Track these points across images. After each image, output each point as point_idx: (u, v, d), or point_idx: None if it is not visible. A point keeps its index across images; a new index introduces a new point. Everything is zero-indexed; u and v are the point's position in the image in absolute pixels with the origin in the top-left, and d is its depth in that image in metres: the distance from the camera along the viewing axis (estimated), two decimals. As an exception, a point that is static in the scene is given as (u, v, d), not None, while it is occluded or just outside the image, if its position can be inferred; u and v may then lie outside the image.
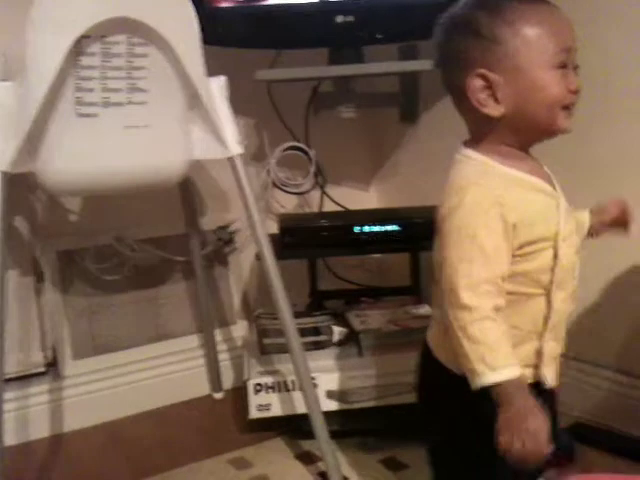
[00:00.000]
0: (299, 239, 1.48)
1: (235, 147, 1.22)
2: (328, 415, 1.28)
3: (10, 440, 1.40)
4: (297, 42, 1.45)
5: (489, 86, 0.78)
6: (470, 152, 0.82)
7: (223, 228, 1.65)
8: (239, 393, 1.47)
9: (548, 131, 0.81)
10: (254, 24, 1.41)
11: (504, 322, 0.76)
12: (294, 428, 1.43)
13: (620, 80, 1.28)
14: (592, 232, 0.94)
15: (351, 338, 1.49)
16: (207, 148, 1.20)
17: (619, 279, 1.33)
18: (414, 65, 1.48)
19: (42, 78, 1.05)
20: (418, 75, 1.68)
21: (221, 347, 1.67)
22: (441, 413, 0.87)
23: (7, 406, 1.42)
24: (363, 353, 1.45)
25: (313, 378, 1.32)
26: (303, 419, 1.31)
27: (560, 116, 0.79)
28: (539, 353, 0.82)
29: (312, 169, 1.66)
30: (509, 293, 0.79)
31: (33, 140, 1.08)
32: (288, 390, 1.39)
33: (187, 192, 1.48)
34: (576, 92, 0.79)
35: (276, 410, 1.39)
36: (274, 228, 1.52)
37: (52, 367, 1.52)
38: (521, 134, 0.81)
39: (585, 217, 0.93)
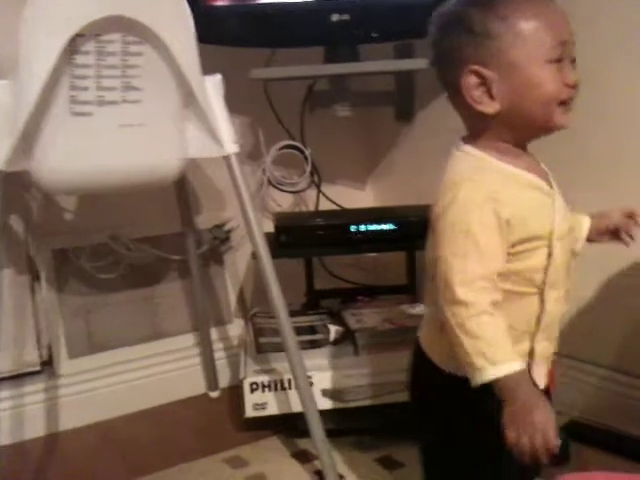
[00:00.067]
0: (295, 238, 1.48)
1: (230, 146, 1.21)
2: (324, 414, 1.28)
3: (5, 439, 1.40)
4: (292, 41, 1.45)
5: (484, 83, 0.77)
6: (468, 147, 0.82)
7: (219, 227, 1.65)
8: (235, 392, 1.47)
9: (545, 128, 0.80)
10: (249, 23, 1.41)
11: (501, 317, 0.75)
12: (290, 427, 1.43)
13: (616, 75, 1.28)
14: (591, 237, 0.92)
15: (347, 337, 1.49)
16: (202, 147, 1.20)
17: (618, 278, 1.33)
18: (409, 64, 1.48)
19: (36, 77, 1.04)
20: (413, 74, 1.68)
21: (217, 346, 1.67)
22: (434, 413, 0.87)
23: (2, 405, 1.43)
24: (359, 352, 1.45)
25: (309, 377, 1.32)
26: (299, 418, 1.32)
27: (557, 112, 0.78)
28: (531, 353, 0.82)
29: (308, 168, 1.66)
30: (504, 292, 0.78)
31: (28, 139, 1.08)
32: (284, 389, 1.39)
33: (182, 191, 1.48)
34: (574, 86, 0.78)
35: (272, 409, 1.39)
36: (270, 227, 1.52)
37: (47, 366, 1.52)
38: (517, 131, 0.80)
39: (584, 220, 0.92)
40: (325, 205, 1.76)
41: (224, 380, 1.65)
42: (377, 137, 1.85)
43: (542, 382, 0.83)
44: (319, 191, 1.75)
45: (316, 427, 1.25)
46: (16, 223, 1.45)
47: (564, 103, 0.78)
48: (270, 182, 1.66)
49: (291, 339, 1.25)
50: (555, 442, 0.71)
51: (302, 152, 1.65)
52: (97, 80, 1.09)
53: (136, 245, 1.54)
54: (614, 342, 1.37)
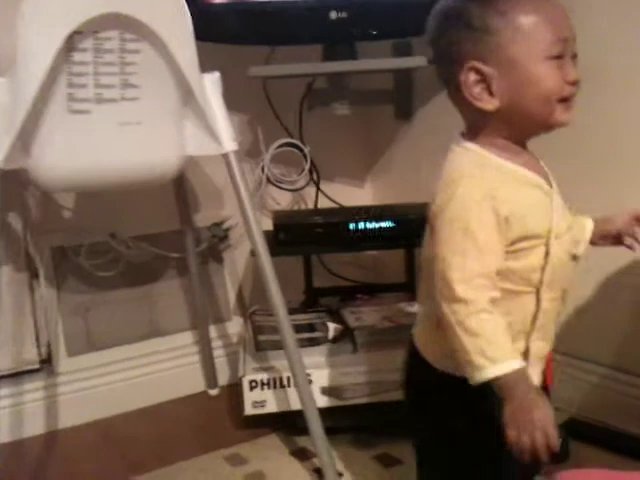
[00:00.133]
0: (294, 236, 1.48)
1: (229, 143, 1.21)
2: (323, 411, 1.28)
3: (4, 437, 1.40)
4: (291, 38, 1.44)
5: (483, 79, 0.77)
6: (467, 144, 0.81)
7: (217, 225, 1.65)
8: (234, 390, 1.47)
9: (545, 125, 0.79)
10: (248, 20, 1.40)
11: (501, 315, 0.75)
12: (289, 424, 1.43)
13: (617, 71, 1.27)
14: (594, 241, 0.91)
15: (346, 335, 1.49)
16: (201, 144, 1.20)
17: (617, 276, 1.33)
18: (408, 62, 1.48)
19: (34, 74, 1.04)
20: (412, 71, 1.68)
21: (216, 344, 1.67)
22: (428, 412, 0.87)
23: (1, 403, 1.43)
24: (358, 350, 1.45)
25: (308, 374, 1.32)
26: (298, 415, 1.32)
27: (557, 109, 0.77)
28: (526, 352, 0.81)
29: (307, 166, 1.66)
30: (500, 290, 0.77)
31: (25, 136, 1.08)
32: (283, 386, 1.39)
33: (181, 189, 1.48)
34: (574, 83, 0.77)
35: (271, 406, 1.39)
36: (269, 225, 1.52)
37: (46, 364, 1.52)
38: (517, 127, 0.79)
39: (587, 223, 0.91)
40: (324, 203, 1.75)
41: (223, 378, 1.65)
42: (376, 135, 1.85)
43: (536, 381, 0.82)
44: (318, 189, 1.75)
45: (315, 425, 1.25)
46: (14, 221, 1.44)
47: (565, 100, 0.77)
48: (269, 180, 1.66)
49: (290, 337, 1.25)
50: (556, 440, 0.70)
51: (301, 150, 1.65)
52: (95, 77, 1.09)
53: (135, 243, 1.54)
54: (613, 340, 1.37)
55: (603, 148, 1.32)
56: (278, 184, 1.68)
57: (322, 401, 1.37)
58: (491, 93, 0.77)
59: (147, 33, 1.09)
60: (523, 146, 0.82)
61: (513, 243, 0.77)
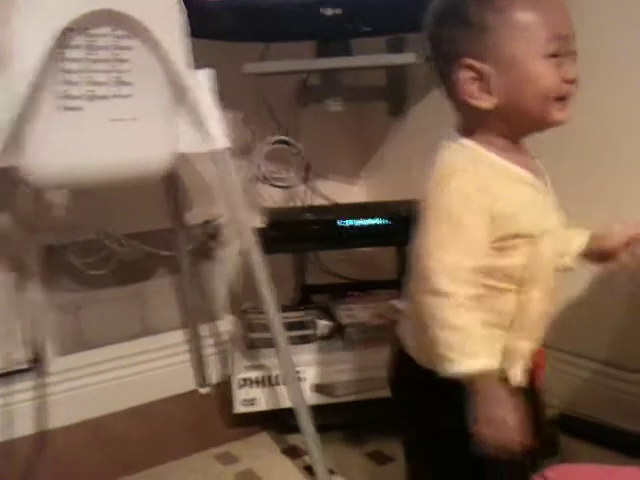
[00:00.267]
0: (286, 233, 1.47)
1: (222, 141, 1.21)
2: (314, 409, 1.28)
3: (-6, 437, 1.40)
4: (285, 35, 1.44)
5: (479, 77, 0.76)
6: (462, 140, 0.80)
7: (209, 222, 1.65)
8: (225, 388, 1.47)
9: (542, 123, 0.78)
10: (241, 17, 1.40)
11: (479, 311, 0.75)
12: (280, 422, 1.43)
13: (614, 69, 1.27)
14: (587, 255, 0.90)
15: (337, 332, 1.49)
16: (193, 141, 1.19)
17: (609, 271, 1.34)
18: (401, 58, 1.48)
19: (25, 71, 1.03)
20: (405, 68, 1.68)
21: (207, 342, 1.66)
22: (414, 409, 0.87)
23: (-9, 403, 1.42)
24: (349, 347, 1.45)
25: (298, 372, 1.32)
26: (289, 413, 1.31)
27: (554, 108, 0.76)
28: (510, 351, 0.81)
29: (300, 163, 1.66)
30: (483, 287, 0.77)
31: (17, 133, 1.07)
32: (273, 384, 1.38)
33: (173, 186, 1.47)
34: (572, 82, 0.76)
35: (261, 405, 1.39)
36: (261, 222, 1.51)
37: (36, 364, 1.50)
38: (513, 126, 0.79)
39: (581, 236, 0.90)
40: (317, 200, 1.75)
41: (214, 376, 1.65)
42: (369, 132, 1.85)
43: (521, 381, 0.82)
44: (311, 186, 1.74)
45: (306, 422, 1.25)
46: (4, 219, 1.43)
47: (562, 99, 0.76)
48: (262, 177, 1.66)
49: (281, 335, 1.25)
50: (517, 439, 0.71)
51: (294, 147, 1.65)
52: (87, 75, 1.08)
53: (126, 241, 1.54)
54: (604, 336, 1.37)
55: (599, 146, 1.32)
56: (271, 181, 1.67)
57: (313, 399, 1.37)
58: (487, 91, 0.76)
59: (139, 30, 1.09)
60: (519, 144, 0.82)
61: (504, 240, 0.77)
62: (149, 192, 1.43)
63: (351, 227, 1.48)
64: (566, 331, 1.38)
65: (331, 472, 1.28)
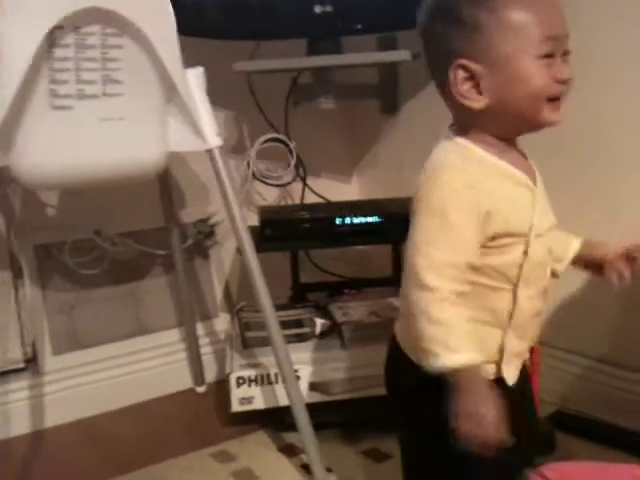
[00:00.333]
0: (280, 232, 1.47)
1: (213, 139, 1.20)
2: (310, 407, 1.28)
3: (-10, 437, 1.39)
4: (275, 33, 1.44)
5: (471, 77, 0.76)
6: (458, 138, 0.80)
7: (203, 221, 1.64)
8: (222, 387, 1.47)
9: (534, 123, 0.78)
10: (232, 15, 1.39)
11: (466, 307, 0.75)
12: (277, 421, 1.43)
13: (607, 68, 1.27)
14: (577, 263, 0.90)
15: (333, 330, 1.49)
16: (185, 140, 1.19)
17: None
18: (393, 56, 1.48)
19: (15, 70, 1.03)
20: (397, 66, 1.68)
21: (203, 340, 1.66)
22: (410, 407, 0.86)
23: (-14, 403, 1.42)
24: (345, 345, 1.45)
25: (295, 370, 1.32)
26: (286, 412, 1.31)
27: (545, 108, 0.76)
28: (501, 349, 0.81)
29: (292, 161, 1.65)
30: (474, 284, 0.78)
31: (7, 133, 1.07)
32: (270, 383, 1.38)
33: (166, 185, 1.47)
34: (564, 82, 0.76)
35: (259, 403, 1.39)
36: (255, 221, 1.51)
37: (31, 363, 1.51)
38: (506, 126, 0.79)
39: (573, 242, 0.90)
40: (310, 198, 1.75)
41: (210, 375, 1.65)
42: (362, 130, 1.85)
43: (512, 379, 0.82)
44: (304, 184, 1.74)
45: (303, 421, 1.24)
46: (-3, 219, 1.43)
47: (554, 99, 0.76)
48: (255, 176, 1.65)
49: (277, 333, 1.25)
50: (496, 436, 0.70)
51: (287, 145, 1.65)
52: (77, 73, 1.07)
53: (120, 240, 1.53)
54: (600, 333, 1.37)
55: (593, 146, 1.32)
56: (264, 179, 1.67)
57: (310, 397, 1.36)
58: (479, 91, 0.76)
59: (129, 28, 1.08)
60: (512, 143, 0.82)
61: (493, 239, 0.77)
62: (143, 191, 1.43)
63: (347, 225, 1.47)
64: (562, 328, 1.38)
65: (328, 470, 1.28)
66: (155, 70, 1.13)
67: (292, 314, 1.53)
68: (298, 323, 1.51)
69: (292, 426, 1.29)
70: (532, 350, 0.90)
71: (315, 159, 1.74)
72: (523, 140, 0.84)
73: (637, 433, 1.27)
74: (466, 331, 0.74)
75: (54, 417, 1.49)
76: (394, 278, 1.64)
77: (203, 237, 1.66)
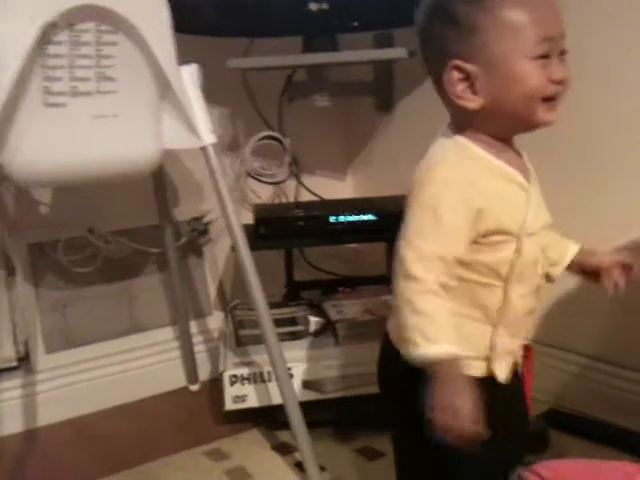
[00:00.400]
0: (274, 229, 1.47)
1: (208, 136, 1.20)
2: (304, 405, 1.28)
3: (-18, 436, 1.39)
4: (270, 30, 1.43)
5: (467, 77, 0.76)
6: (456, 136, 0.81)
7: (197, 219, 1.64)
8: (215, 385, 1.47)
9: (528, 123, 0.79)
10: (227, 12, 1.39)
11: (456, 303, 0.76)
12: (270, 419, 1.43)
13: (601, 67, 1.27)
14: (572, 268, 0.91)
15: (327, 328, 1.49)
16: (179, 138, 1.19)
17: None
18: (388, 53, 1.47)
19: (8, 67, 1.02)
20: (393, 63, 1.68)
21: (197, 339, 1.66)
22: (402, 403, 0.86)
23: (-22, 402, 1.41)
24: (339, 343, 1.45)
25: (289, 368, 1.32)
26: (279, 410, 1.31)
27: (540, 108, 0.76)
28: (492, 346, 0.81)
29: (287, 158, 1.65)
30: (465, 280, 0.78)
31: (0, 131, 1.06)
32: (264, 381, 1.38)
33: (160, 182, 1.46)
34: (560, 82, 0.76)
35: (252, 401, 1.39)
36: (249, 218, 1.51)
37: (24, 362, 1.50)
38: (500, 125, 0.79)
39: (570, 247, 0.91)
40: (305, 196, 1.75)
41: (204, 373, 1.64)
42: (357, 127, 1.84)
43: (503, 376, 0.83)
44: (299, 182, 1.74)
45: (296, 419, 1.24)
46: (-10, 217, 1.42)
47: (549, 99, 0.77)
48: (249, 173, 1.65)
49: (270, 331, 1.25)
50: (470, 429, 0.71)
51: (281, 143, 1.64)
52: (70, 70, 1.07)
53: (113, 238, 1.53)
54: (594, 330, 1.38)
55: (585, 146, 1.33)
56: (258, 177, 1.66)
57: (303, 395, 1.36)
58: (474, 91, 0.77)
59: (124, 25, 1.08)
60: (508, 143, 0.82)
61: (485, 236, 0.78)
62: (136, 188, 1.43)
63: (342, 223, 1.47)
64: (555, 326, 1.38)
65: (321, 468, 1.28)
66: (149, 67, 1.12)
67: (286, 312, 1.53)
68: (292, 321, 1.51)
69: (285, 424, 1.29)
70: (525, 348, 0.90)
71: (310, 157, 1.74)
72: (516, 139, 0.84)
73: (631, 431, 1.27)
74: (448, 323, 0.75)
75: (47, 416, 1.48)
76: (388, 276, 1.63)
77: (197, 235, 1.65)
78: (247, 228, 1.30)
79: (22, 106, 1.05)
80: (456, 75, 0.77)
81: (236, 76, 1.56)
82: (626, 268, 0.88)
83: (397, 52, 1.42)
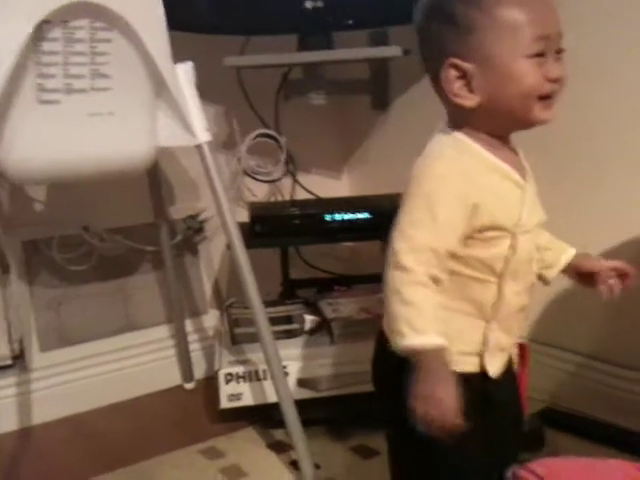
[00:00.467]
0: (270, 228, 1.47)
1: (203, 134, 1.20)
2: (299, 403, 1.28)
3: (-23, 434, 1.38)
4: (266, 28, 1.43)
5: (463, 76, 0.77)
6: (455, 132, 0.81)
7: (193, 217, 1.64)
8: (211, 383, 1.46)
9: (524, 121, 0.79)
10: (222, 9, 1.39)
11: (440, 293, 0.76)
12: (265, 417, 1.43)
13: (596, 66, 1.27)
14: (567, 272, 0.92)
15: (323, 326, 1.49)
16: (174, 135, 1.19)
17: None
18: (384, 51, 1.47)
19: (1, 64, 1.01)
20: (388, 61, 1.67)
21: (192, 337, 1.66)
22: (396, 400, 0.86)
23: (-27, 400, 1.40)
24: (335, 341, 1.45)
25: (284, 367, 1.32)
26: (274, 408, 1.31)
27: (536, 107, 0.77)
28: (485, 341, 0.82)
29: (283, 157, 1.65)
30: (459, 275, 0.79)
31: (-7, 128, 1.06)
32: (259, 379, 1.38)
33: (155, 180, 1.46)
34: (556, 81, 0.77)
35: (247, 400, 1.39)
36: (245, 217, 1.50)
37: (19, 360, 1.50)
38: (497, 123, 0.80)
39: (566, 251, 0.92)
40: (300, 194, 1.75)
41: (199, 371, 1.64)
42: (352, 126, 1.84)
43: (495, 371, 0.83)
44: (294, 180, 1.74)
45: (291, 417, 1.24)
46: (-17, 215, 1.42)
47: (545, 97, 0.77)
48: (245, 171, 1.65)
49: (265, 329, 1.25)
50: (453, 418, 0.71)
51: (277, 141, 1.64)
52: (65, 67, 1.06)
53: (108, 236, 1.52)
54: (589, 329, 1.38)
55: (581, 144, 1.33)
56: (254, 175, 1.66)
57: (298, 393, 1.36)
58: (471, 90, 0.77)
59: (118, 22, 1.07)
60: (504, 140, 0.83)
61: (480, 231, 0.78)
62: (132, 186, 1.42)
63: (337, 221, 1.47)
64: (551, 325, 1.38)
65: (316, 466, 1.28)
66: (144, 65, 1.12)
67: (282, 310, 1.52)
68: (288, 319, 1.51)
69: (281, 423, 1.29)
70: (521, 347, 0.91)
71: (305, 155, 1.74)
72: (513, 137, 0.84)
73: (627, 430, 1.27)
74: (435, 315, 0.75)
75: (42, 414, 1.47)
76: (384, 274, 1.64)
77: (192, 233, 1.65)
78: (243, 226, 1.30)
79: (16, 103, 1.05)
80: (453, 73, 0.77)
81: (231, 74, 1.56)
82: (621, 274, 0.89)
83: (392, 50, 1.42)
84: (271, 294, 1.59)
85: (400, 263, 0.75)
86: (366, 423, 1.38)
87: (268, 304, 1.35)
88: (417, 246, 0.75)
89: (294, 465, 1.31)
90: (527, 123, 0.80)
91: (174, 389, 1.61)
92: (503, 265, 0.80)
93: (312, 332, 1.49)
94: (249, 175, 1.66)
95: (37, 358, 1.50)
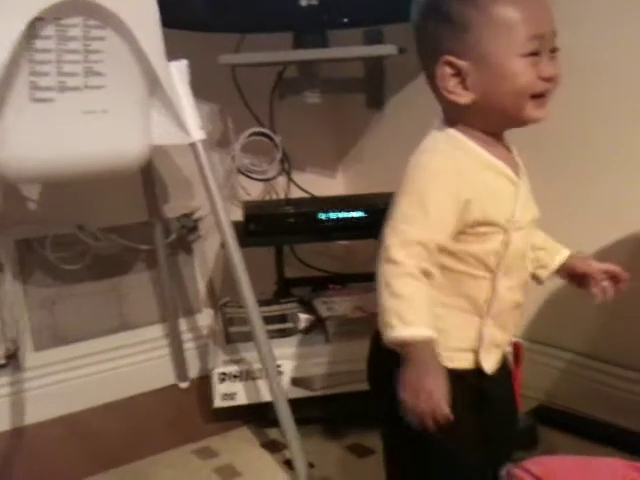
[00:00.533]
0: (264, 226, 1.47)
1: (197, 132, 1.20)
2: (293, 402, 1.28)
3: (-30, 433, 1.38)
4: (261, 26, 1.43)
5: (458, 73, 0.78)
6: (449, 129, 0.82)
7: (187, 216, 1.63)
8: (205, 382, 1.46)
9: (517, 119, 0.80)
10: (217, 7, 1.38)
11: (429, 286, 0.76)
12: (260, 416, 1.43)
13: (592, 65, 1.27)
14: (560, 273, 0.93)
15: (317, 325, 1.49)
16: (168, 134, 1.18)
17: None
18: (379, 50, 1.47)
19: (-6, 62, 1.01)
20: (383, 60, 1.67)
21: (186, 336, 1.65)
22: (392, 402, 0.86)
23: (-34, 399, 1.40)
24: (329, 340, 1.44)
25: (278, 366, 1.32)
26: (269, 407, 1.31)
27: (529, 105, 0.78)
28: (480, 337, 0.82)
29: (278, 155, 1.65)
30: (452, 271, 0.79)
31: (-14, 126, 1.05)
32: (253, 378, 1.38)
33: (149, 179, 1.46)
34: (549, 80, 0.77)
35: (241, 399, 1.39)
36: (239, 215, 1.50)
37: (12, 359, 1.49)
38: (490, 121, 0.81)
39: (561, 252, 0.92)
40: (295, 193, 1.74)
41: (193, 371, 1.63)
42: (347, 124, 1.84)
43: (490, 368, 0.83)
44: (289, 179, 1.73)
45: (285, 416, 1.24)
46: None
47: (539, 96, 0.78)
48: (239, 170, 1.64)
49: (260, 328, 1.24)
50: (442, 409, 0.71)
51: (272, 139, 1.64)
52: (58, 65, 1.06)
53: (103, 235, 1.52)
54: (583, 327, 1.38)
55: (574, 142, 1.33)
56: (248, 174, 1.66)
57: (292, 392, 1.36)
58: (465, 87, 0.78)
59: (112, 20, 1.07)
60: (498, 137, 0.84)
61: (472, 226, 0.79)
62: (125, 185, 1.42)
63: (332, 220, 1.47)
64: (545, 323, 1.39)
65: (310, 465, 1.28)
66: (138, 63, 1.11)
67: (276, 309, 1.52)
68: (282, 318, 1.50)
69: (275, 422, 1.29)
70: (515, 346, 0.91)
71: (300, 153, 1.74)
72: (507, 134, 0.85)
73: (620, 428, 1.28)
74: (426, 307, 0.76)
75: (36, 413, 1.47)
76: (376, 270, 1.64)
77: (187, 232, 1.65)
78: (237, 225, 1.30)
79: (9, 101, 1.04)
80: (448, 71, 0.78)
81: (226, 72, 1.56)
82: (614, 277, 0.90)
83: (387, 49, 1.42)
84: (266, 293, 1.59)
85: (391, 257, 0.76)
86: (361, 422, 1.38)
87: (262, 303, 1.34)
88: (408, 240, 0.76)
89: (288, 464, 1.31)
90: (520, 121, 0.80)
91: (168, 388, 1.60)
92: (496, 261, 0.80)
93: (307, 331, 1.49)
94: (243, 174, 1.66)
95: (31, 357, 1.49)
